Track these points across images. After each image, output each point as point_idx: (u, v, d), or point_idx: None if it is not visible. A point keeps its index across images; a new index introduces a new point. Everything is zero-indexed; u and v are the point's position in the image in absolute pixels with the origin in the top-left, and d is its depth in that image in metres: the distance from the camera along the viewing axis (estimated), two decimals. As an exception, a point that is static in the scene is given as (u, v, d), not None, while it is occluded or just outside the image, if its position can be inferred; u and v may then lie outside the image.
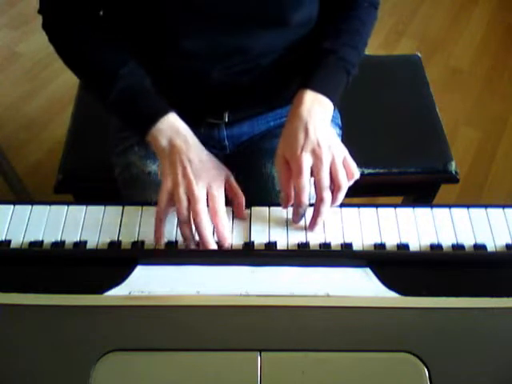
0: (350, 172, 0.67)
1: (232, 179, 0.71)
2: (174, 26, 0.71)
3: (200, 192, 0.65)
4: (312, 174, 0.66)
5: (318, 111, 0.69)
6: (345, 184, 0.66)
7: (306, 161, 0.65)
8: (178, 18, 0.70)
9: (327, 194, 0.65)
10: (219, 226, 0.65)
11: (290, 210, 0.68)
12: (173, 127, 0.70)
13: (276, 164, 0.69)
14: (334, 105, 0.72)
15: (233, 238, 0.66)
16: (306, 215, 0.68)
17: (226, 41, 0.74)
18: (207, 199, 0.66)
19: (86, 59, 0.75)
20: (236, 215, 0.69)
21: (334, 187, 0.66)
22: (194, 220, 0.64)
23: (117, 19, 0.77)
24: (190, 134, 0.71)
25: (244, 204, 0.69)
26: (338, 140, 0.69)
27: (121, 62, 0.73)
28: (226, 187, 0.70)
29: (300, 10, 0.72)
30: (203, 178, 0.66)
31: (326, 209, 0.65)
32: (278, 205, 0.70)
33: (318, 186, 0.65)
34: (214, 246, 0.65)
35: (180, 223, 0.65)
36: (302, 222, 0.68)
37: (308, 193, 0.65)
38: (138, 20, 0.74)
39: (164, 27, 0.72)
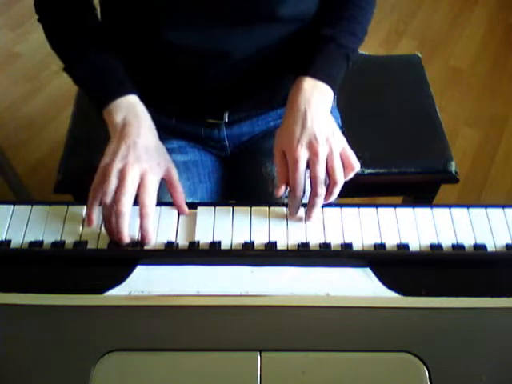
0: (349, 164, 0.66)
1: (174, 173, 0.69)
2: (154, 14, 0.72)
3: (133, 177, 0.63)
4: (308, 167, 0.65)
5: (317, 99, 0.68)
6: (340, 179, 0.65)
7: (302, 154, 0.64)
8: (156, 7, 0.71)
9: (321, 188, 0.64)
10: (143, 219, 0.63)
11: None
12: (131, 107, 0.69)
13: (274, 155, 0.69)
14: (335, 91, 0.71)
15: (232, 237, 0.66)
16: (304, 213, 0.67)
17: (214, 36, 0.74)
18: (138, 188, 0.64)
19: (67, 37, 0.76)
20: (179, 212, 0.68)
21: (330, 182, 0.65)
22: (116, 207, 0.62)
23: (110, 13, 0.79)
24: (147, 119, 0.70)
25: (183, 201, 0.68)
26: (338, 130, 0.68)
27: (98, 46, 0.75)
28: (167, 180, 0.69)
29: (287, 4, 0.72)
30: (142, 162, 0.64)
31: (321, 201, 0.65)
32: (278, 204, 0.70)
33: (313, 180, 0.65)
34: (126, 239, 0.63)
35: (102, 205, 0.64)
36: (302, 223, 0.68)
37: (302, 187, 0.65)
38: (124, 10, 0.75)
39: (146, 17, 0.73)
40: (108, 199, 0.63)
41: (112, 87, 0.71)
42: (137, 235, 0.66)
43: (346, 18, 0.76)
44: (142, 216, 0.63)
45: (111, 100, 0.69)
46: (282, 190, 0.67)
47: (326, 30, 0.74)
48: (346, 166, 0.66)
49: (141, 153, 0.65)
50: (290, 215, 0.67)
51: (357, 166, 0.67)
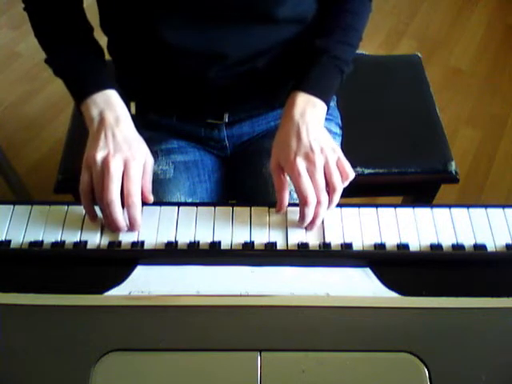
0: (344, 173, 0.67)
1: (149, 167, 0.70)
2: (151, 15, 0.72)
3: (116, 164, 0.64)
4: None
5: (310, 114, 0.69)
6: (339, 186, 0.66)
7: (301, 165, 0.65)
8: (152, 7, 0.71)
9: (324, 196, 0.65)
10: (130, 208, 0.64)
11: (291, 209, 0.68)
12: (107, 101, 0.70)
13: (271, 170, 0.69)
14: (328, 105, 0.72)
15: (232, 237, 0.66)
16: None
17: (213, 37, 0.74)
18: (122, 177, 0.64)
19: (48, 29, 0.77)
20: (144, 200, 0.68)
21: (329, 189, 0.66)
22: (103, 197, 0.63)
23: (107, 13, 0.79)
24: (125, 113, 0.71)
25: (149, 191, 0.69)
26: (332, 141, 0.69)
27: (78, 40, 0.76)
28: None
29: (284, 4, 0.72)
30: (123, 152, 0.65)
31: (324, 210, 0.65)
32: (278, 205, 0.70)
33: (314, 189, 0.65)
34: (123, 226, 0.64)
35: (83, 192, 0.65)
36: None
37: (313, 192, 0.64)
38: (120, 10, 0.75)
39: (143, 18, 0.73)
40: (98, 191, 0.64)
41: (88, 82, 0.72)
42: (136, 236, 0.66)
43: (342, 28, 0.76)
44: (128, 205, 0.64)
45: (88, 95, 0.70)
46: (283, 206, 0.67)
47: (320, 42, 0.74)
48: (341, 175, 0.67)
49: (120, 142, 0.66)
50: (300, 223, 0.67)
51: (351, 174, 0.67)
